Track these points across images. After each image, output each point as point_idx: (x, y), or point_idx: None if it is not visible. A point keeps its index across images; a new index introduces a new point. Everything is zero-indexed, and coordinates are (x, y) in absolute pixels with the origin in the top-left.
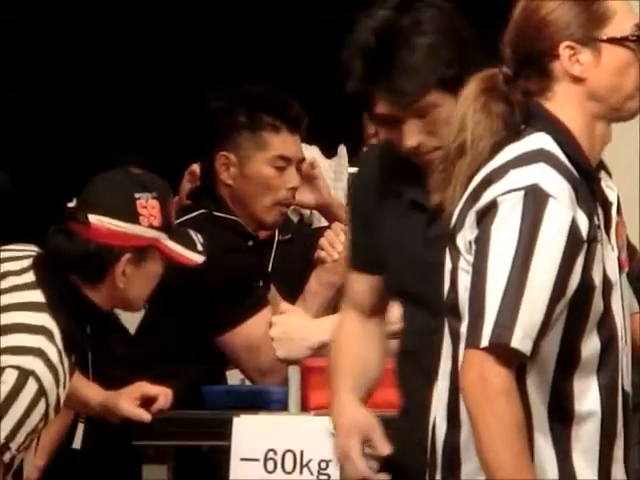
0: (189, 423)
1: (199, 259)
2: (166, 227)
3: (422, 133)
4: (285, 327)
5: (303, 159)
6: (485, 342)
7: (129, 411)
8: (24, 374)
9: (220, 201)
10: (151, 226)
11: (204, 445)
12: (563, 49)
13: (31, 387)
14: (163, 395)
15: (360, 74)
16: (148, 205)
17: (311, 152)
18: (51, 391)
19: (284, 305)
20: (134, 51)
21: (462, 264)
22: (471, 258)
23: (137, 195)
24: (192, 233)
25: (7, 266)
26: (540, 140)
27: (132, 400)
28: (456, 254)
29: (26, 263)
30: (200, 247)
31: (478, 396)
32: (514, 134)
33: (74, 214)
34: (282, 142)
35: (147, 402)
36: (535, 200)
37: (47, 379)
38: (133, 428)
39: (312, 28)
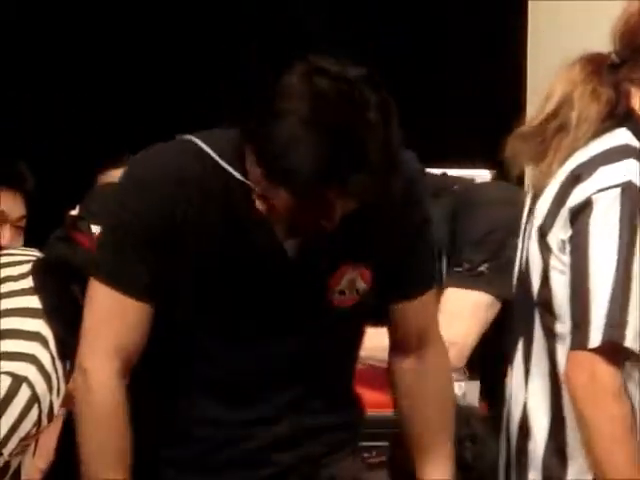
0: None
1: None
2: None
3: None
4: None
5: None
6: (596, 342)
7: None
8: (17, 380)
9: None
10: None
11: None
12: None
13: (24, 394)
14: None
15: (329, 165)
16: None
17: None
18: (44, 398)
19: None
20: (135, 51)
21: (555, 263)
22: (565, 257)
23: None
24: None
25: (6, 271)
26: (624, 136)
27: None
28: (547, 253)
29: (25, 268)
30: None
31: (589, 397)
32: (616, 124)
33: (76, 223)
34: None
35: None
36: (632, 197)
37: (40, 386)
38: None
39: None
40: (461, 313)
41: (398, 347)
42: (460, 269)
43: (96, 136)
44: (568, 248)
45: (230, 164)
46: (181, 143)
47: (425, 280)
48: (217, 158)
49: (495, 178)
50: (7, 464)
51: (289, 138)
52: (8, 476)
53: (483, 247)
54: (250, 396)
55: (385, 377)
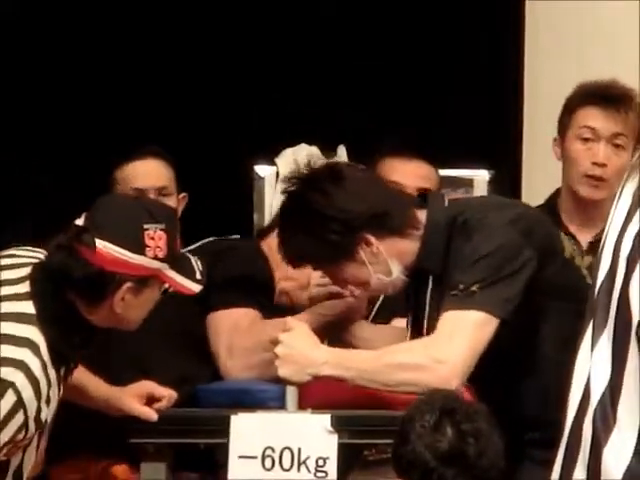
0: (187, 421)
1: (197, 288)
2: (170, 258)
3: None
4: (291, 349)
5: None
6: None
7: (135, 409)
8: (3, 386)
9: None
10: (156, 257)
11: (202, 443)
12: None
13: (9, 398)
14: (168, 397)
15: None
16: (156, 236)
17: (310, 152)
18: (30, 404)
19: (290, 320)
20: (142, 52)
21: None
22: None
23: (146, 226)
24: (193, 261)
25: (6, 274)
26: None
27: (138, 398)
28: None
29: (24, 272)
30: (199, 276)
31: None
32: None
33: (81, 235)
34: None
35: (149, 401)
36: None
37: (27, 392)
38: (131, 426)
39: (310, 26)
40: (453, 333)
41: None
42: (455, 292)
43: (106, 135)
44: None
45: None
46: None
47: None
48: None
49: (493, 179)
50: (6, 462)
51: None
52: (10, 473)
53: (476, 270)
54: None
55: None
